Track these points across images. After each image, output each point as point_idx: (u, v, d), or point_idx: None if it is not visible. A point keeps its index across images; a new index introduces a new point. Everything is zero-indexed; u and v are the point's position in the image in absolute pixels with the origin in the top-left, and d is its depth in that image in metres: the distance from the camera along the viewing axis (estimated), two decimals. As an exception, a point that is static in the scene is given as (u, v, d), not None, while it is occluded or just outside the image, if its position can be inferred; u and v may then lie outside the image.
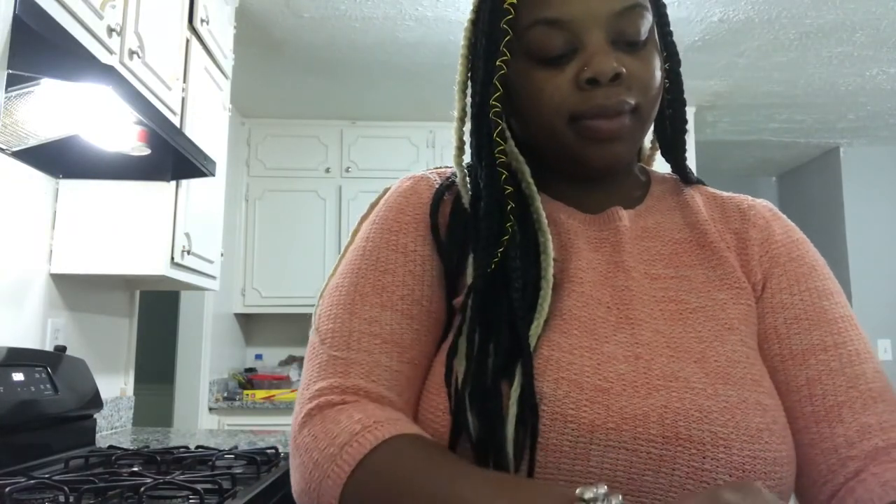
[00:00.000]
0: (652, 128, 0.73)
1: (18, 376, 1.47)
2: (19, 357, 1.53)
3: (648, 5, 0.66)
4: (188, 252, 1.94)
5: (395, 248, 0.67)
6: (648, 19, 0.65)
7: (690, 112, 3.72)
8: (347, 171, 3.85)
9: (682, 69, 0.73)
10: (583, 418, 0.56)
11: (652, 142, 0.78)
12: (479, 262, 0.63)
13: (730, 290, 0.66)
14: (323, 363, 0.63)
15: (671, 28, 0.71)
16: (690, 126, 3.90)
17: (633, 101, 0.63)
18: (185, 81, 1.94)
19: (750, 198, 0.75)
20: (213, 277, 2.28)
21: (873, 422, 0.60)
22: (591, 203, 0.71)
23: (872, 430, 0.60)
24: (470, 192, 0.68)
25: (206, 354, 3.29)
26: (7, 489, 1.12)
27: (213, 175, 1.91)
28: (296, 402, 0.64)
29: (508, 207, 0.65)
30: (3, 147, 1.58)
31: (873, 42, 3.00)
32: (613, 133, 0.64)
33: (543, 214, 0.66)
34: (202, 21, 2.05)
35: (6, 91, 1.27)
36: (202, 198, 2.09)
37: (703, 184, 0.77)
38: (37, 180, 1.76)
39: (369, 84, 3.43)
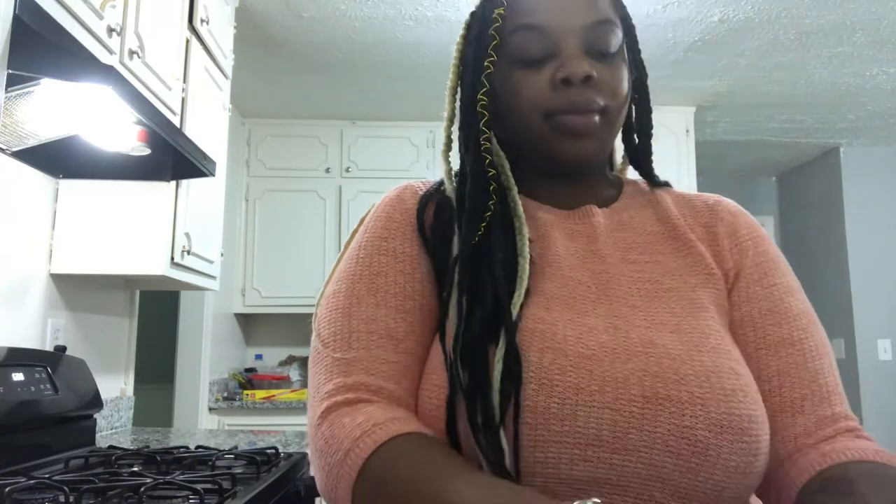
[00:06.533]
0: (623, 142, 0.82)
1: (18, 376, 1.47)
2: (19, 357, 1.52)
3: (619, 24, 0.74)
4: (188, 252, 1.94)
5: (386, 252, 0.73)
6: (618, 35, 0.73)
7: (690, 112, 3.77)
8: (347, 171, 3.85)
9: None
10: (568, 382, 0.61)
11: (623, 157, 0.85)
12: (465, 234, 0.70)
13: (700, 276, 0.72)
14: (328, 366, 0.69)
15: (640, 46, 0.80)
16: (690, 126, 3.90)
17: (601, 103, 0.71)
18: (185, 81, 1.94)
19: (716, 195, 0.82)
20: (213, 277, 2.28)
21: (828, 413, 0.67)
22: (566, 201, 0.77)
23: (827, 421, 0.67)
24: (456, 180, 0.75)
25: (206, 354, 3.29)
26: (7, 489, 1.12)
27: (212, 175, 1.91)
28: (308, 407, 0.70)
29: (491, 188, 0.72)
30: (3, 147, 1.58)
31: (873, 42, 3.01)
32: (583, 128, 0.71)
33: (519, 202, 0.72)
34: (202, 21, 2.05)
35: (6, 91, 1.27)
36: (202, 198, 2.09)
37: (670, 185, 0.84)
38: (37, 180, 1.76)
39: (369, 84, 3.43)
